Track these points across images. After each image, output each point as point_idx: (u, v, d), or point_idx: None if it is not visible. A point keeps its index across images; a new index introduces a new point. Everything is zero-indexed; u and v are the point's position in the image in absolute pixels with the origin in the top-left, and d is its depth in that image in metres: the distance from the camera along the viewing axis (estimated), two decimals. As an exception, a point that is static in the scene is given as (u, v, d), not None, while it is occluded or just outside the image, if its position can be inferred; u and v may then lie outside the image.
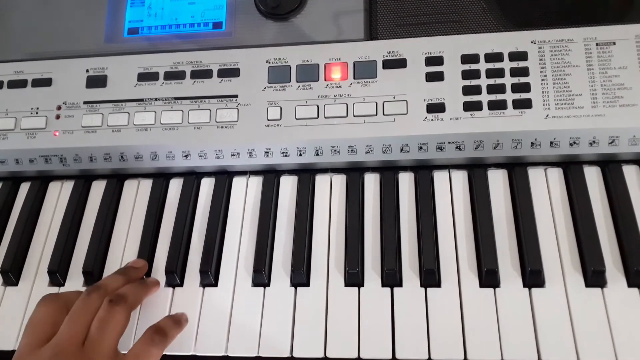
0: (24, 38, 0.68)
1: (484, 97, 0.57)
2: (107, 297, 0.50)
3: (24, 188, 0.66)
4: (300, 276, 0.55)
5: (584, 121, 0.55)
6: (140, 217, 0.62)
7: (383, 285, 0.55)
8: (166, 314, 0.56)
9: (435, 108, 0.57)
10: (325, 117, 0.59)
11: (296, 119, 0.59)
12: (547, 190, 0.57)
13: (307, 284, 0.56)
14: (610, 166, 0.57)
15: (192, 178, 0.64)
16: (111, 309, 0.49)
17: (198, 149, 0.61)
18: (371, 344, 0.52)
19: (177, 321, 0.54)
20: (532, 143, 0.56)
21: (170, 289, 0.58)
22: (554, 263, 0.53)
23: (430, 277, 0.54)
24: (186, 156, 0.61)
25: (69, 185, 0.66)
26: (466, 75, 0.58)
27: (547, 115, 0.55)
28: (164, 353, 0.54)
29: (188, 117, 0.61)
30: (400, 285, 0.55)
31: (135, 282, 0.55)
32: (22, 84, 0.65)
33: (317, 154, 0.60)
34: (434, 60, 0.59)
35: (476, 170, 0.59)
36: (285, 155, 0.60)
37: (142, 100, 0.62)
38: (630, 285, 0.52)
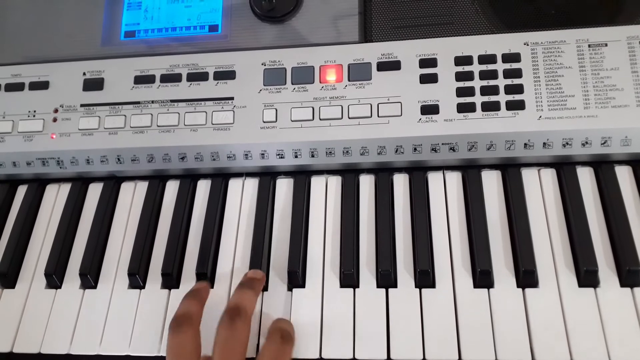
0: (21, 41, 0.68)
1: (478, 99, 0.57)
2: (279, 338, 0.49)
3: (21, 191, 0.67)
4: (296, 278, 0.56)
5: (577, 122, 0.55)
6: (137, 220, 0.62)
7: (378, 286, 0.55)
8: (162, 316, 0.56)
9: (430, 110, 0.57)
10: (320, 119, 0.59)
11: (291, 121, 0.59)
12: (541, 190, 0.58)
13: (302, 285, 0.56)
14: (603, 167, 0.57)
15: (188, 180, 0.64)
16: (284, 347, 0.49)
17: (194, 151, 0.61)
18: (366, 345, 0.52)
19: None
20: (525, 144, 0.57)
21: (167, 291, 0.58)
22: (547, 263, 0.54)
23: (424, 277, 0.54)
24: (182, 158, 0.62)
25: (66, 188, 0.66)
26: (460, 77, 0.58)
27: (540, 117, 0.56)
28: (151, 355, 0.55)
29: (184, 120, 0.61)
30: (395, 286, 0.55)
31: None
32: (19, 87, 0.65)
33: (313, 156, 0.60)
34: (428, 62, 0.59)
35: (470, 171, 0.59)
36: (281, 157, 0.61)
37: (138, 102, 0.63)
38: (622, 285, 0.52)
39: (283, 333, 0.51)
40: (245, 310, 0.50)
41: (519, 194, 0.57)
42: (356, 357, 0.52)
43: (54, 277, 0.59)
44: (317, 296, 0.55)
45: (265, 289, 0.57)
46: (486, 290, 0.53)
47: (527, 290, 0.53)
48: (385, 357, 0.52)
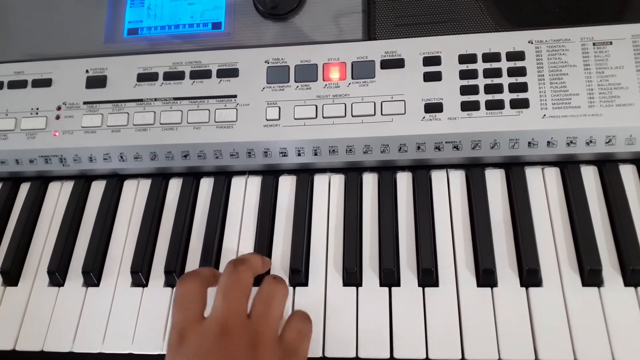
0: (24, 38, 0.68)
1: (482, 97, 0.57)
2: (272, 279, 0.52)
3: (24, 188, 0.67)
4: (299, 276, 0.56)
5: (581, 121, 0.55)
6: (139, 217, 0.62)
7: (381, 285, 0.55)
8: (165, 314, 0.56)
9: (433, 108, 0.57)
10: (323, 117, 0.59)
11: (295, 119, 0.59)
12: (545, 189, 0.58)
13: (305, 284, 0.56)
14: (607, 166, 0.57)
15: (191, 178, 0.64)
16: (277, 285, 0.51)
17: (197, 149, 0.61)
18: (369, 343, 0.52)
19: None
20: (529, 143, 0.57)
21: (169, 289, 0.58)
22: (551, 262, 0.54)
23: (427, 276, 0.54)
24: (185, 156, 0.62)
25: (68, 186, 0.66)
26: (464, 75, 0.58)
27: (544, 115, 0.56)
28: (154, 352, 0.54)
29: (187, 117, 0.61)
30: (398, 284, 0.55)
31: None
32: (22, 84, 0.65)
33: (316, 154, 0.60)
34: (432, 60, 0.59)
35: (474, 170, 0.59)
36: (284, 155, 0.60)
37: (141, 100, 0.63)
38: (626, 284, 0.52)
39: (275, 276, 0.53)
40: (250, 261, 0.52)
41: (523, 192, 0.57)
42: (359, 355, 0.52)
43: (57, 274, 0.59)
44: (319, 294, 0.55)
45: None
46: (489, 289, 0.53)
47: (531, 289, 0.53)
48: (389, 355, 0.52)
